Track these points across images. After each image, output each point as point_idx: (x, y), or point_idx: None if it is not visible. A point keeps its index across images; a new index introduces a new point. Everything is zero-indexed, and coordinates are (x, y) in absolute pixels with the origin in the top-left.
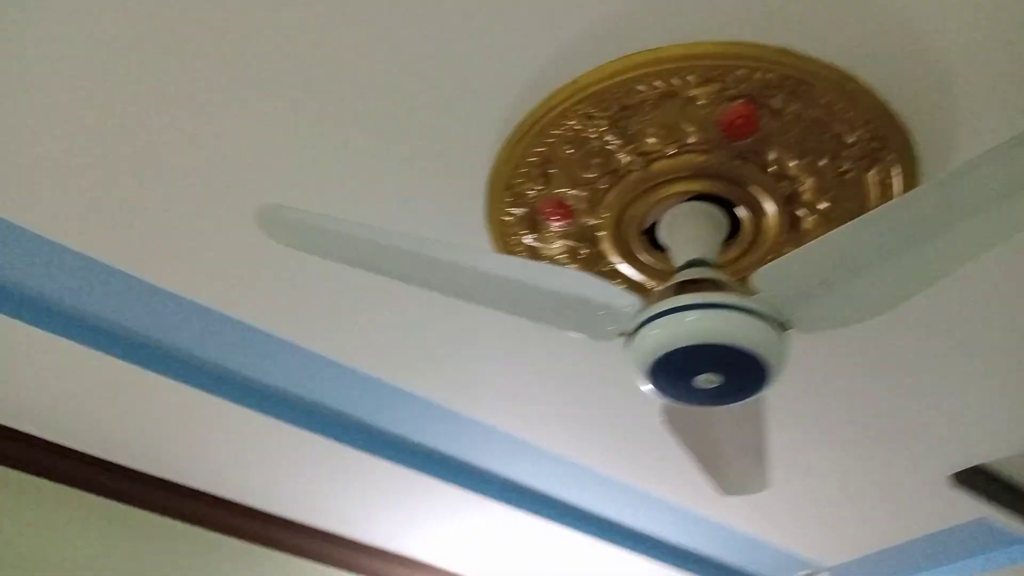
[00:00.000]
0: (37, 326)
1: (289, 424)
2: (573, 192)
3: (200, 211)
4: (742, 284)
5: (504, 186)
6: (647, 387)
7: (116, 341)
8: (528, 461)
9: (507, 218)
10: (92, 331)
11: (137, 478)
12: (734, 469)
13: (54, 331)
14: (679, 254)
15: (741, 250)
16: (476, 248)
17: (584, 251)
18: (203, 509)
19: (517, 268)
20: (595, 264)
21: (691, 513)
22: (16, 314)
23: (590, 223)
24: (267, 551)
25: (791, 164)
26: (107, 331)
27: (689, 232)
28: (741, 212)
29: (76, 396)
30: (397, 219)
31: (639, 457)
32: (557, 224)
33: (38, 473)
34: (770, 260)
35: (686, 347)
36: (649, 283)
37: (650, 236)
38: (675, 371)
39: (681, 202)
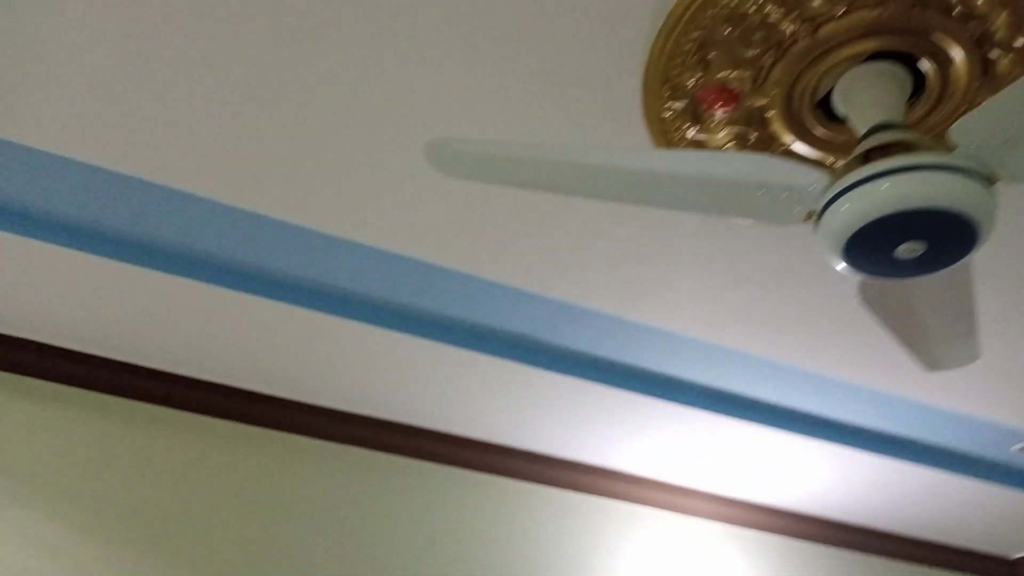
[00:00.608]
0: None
1: (502, 359)
2: (736, 74)
3: (365, 154)
4: (937, 141)
5: (661, 81)
6: (842, 266)
7: (355, 306)
8: (723, 365)
9: (667, 114)
10: (341, 301)
11: (392, 427)
12: (941, 342)
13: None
14: (861, 121)
15: (928, 107)
16: (643, 148)
17: (754, 135)
18: (435, 446)
19: (690, 161)
20: (767, 148)
21: (895, 397)
22: (296, 301)
23: (757, 104)
24: (491, 477)
25: (979, 0)
26: (344, 297)
27: (869, 96)
28: (924, 65)
29: (334, 363)
30: (555, 136)
31: (835, 345)
32: (721, 111)
33: (325, 438)
34: (963, 112)
35: (884, 217)
36: (828, 159)
37: (825, 108)
38: (873, 244)
39: (856, 65)
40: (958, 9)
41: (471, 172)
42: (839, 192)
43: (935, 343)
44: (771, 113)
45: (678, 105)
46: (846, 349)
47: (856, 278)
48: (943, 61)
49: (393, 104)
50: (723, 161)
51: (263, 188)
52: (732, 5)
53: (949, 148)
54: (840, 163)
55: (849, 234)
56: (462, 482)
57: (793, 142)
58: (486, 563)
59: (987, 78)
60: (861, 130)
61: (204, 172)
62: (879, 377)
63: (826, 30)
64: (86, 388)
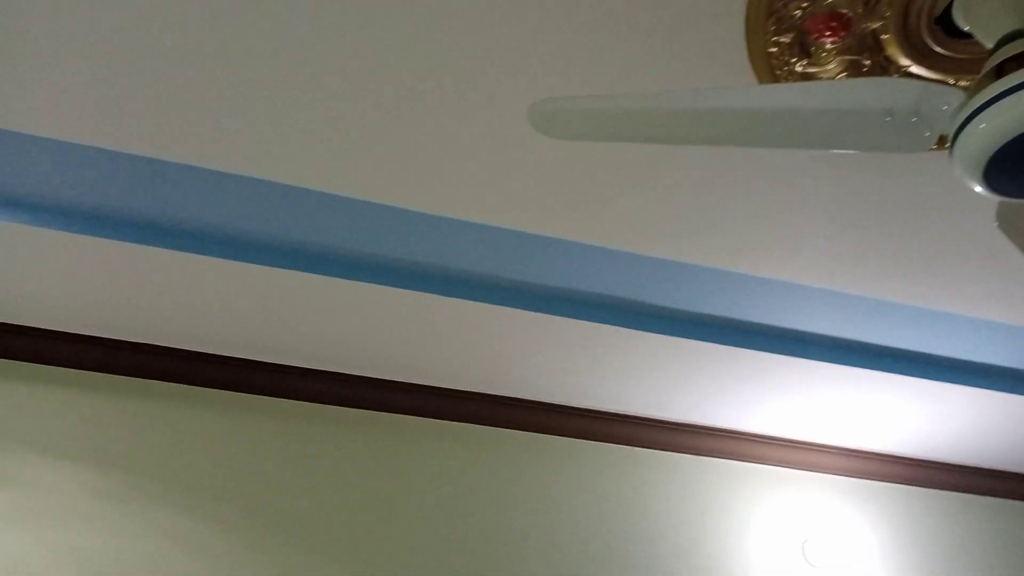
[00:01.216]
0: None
1: (617, 326)
2: None
3: (458, 127)
4: None
5: (765, 14)
6: (981, 189)
7: (455, 284)
8: (844, 312)
9: (773, 49)
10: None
11: (482, 399)
12: None
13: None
14: (988, 33)
15: None
16: (756, 85)
17: (867, 62)
18: (569, 422)
19: (811, 93)
20: (883, 74)
21: None
22: (397, 283)
23: (870, 28)
24: (626, 449)
25: None
26: (443, 276)
27: (995, 3)
28: None
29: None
30: (658, 85)
31: (966, 281)
32: (832, 41)
33: (439, 417)
34: None
35: None
36: (952, 79)
37: (944, 24)
38: (1015, 163)
39: None
40: None
41: (577, 131)
42: (975, 110)
43: None
44: (886, 36)
45: (784, 39)
46: (979, 284)
47: (994, 202)
48: None
49: (489, 73)
50: (845, 90)
51: (358, 170)
52: None
53: None
54: (966, 82)
55: (989, 155)
56: (597, 455)
57: (911, 65)
58: (626, 533)
59: None
60: (990, 42)
61: (304, 162)
62: (1016, 311)
63: None
64: (206, 386)
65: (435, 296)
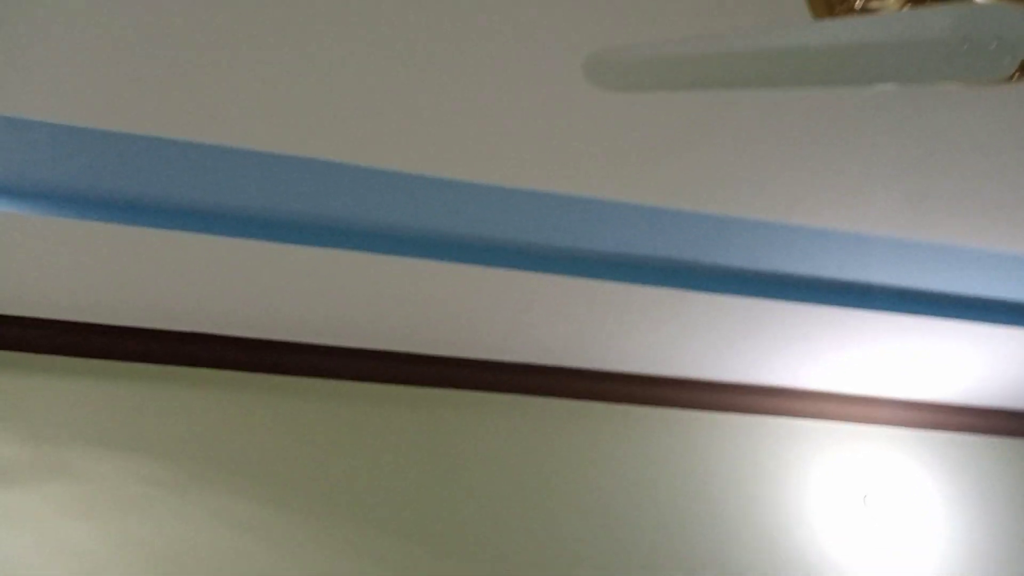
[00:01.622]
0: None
1: (669, 287)
2: None
3: (500, 88)
4: None
5: None
6: None
7: (499, 253)
8: (904, 259)
9: None
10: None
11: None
12: None
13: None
14: None
15: None
16: (822, 20)
17: None
18: (627, 388)
19: (884, 24)
20: (948, 2)
21: None
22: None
23: None
24: (685, 413)
25: None
26: (487, 246)
27: None
28: None
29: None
30: (712, 28)
31: None
32: None
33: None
34: None
35: None
36: None
37: None
38: None
39: None
40: None
41: (636, 81)
42: None
43: None
44: None
45: None
46: None
47: None
48: None
49: (537, 27)
50: (920, 19)
51: (396, 142)
52: None
53: None
54: None
55: None
56: (656, 421)
57: None
58: (684, 498)
59: None
60: None
61: (345, 136)
62: None
63: None
64: (249, 371)
65: (484, 268)
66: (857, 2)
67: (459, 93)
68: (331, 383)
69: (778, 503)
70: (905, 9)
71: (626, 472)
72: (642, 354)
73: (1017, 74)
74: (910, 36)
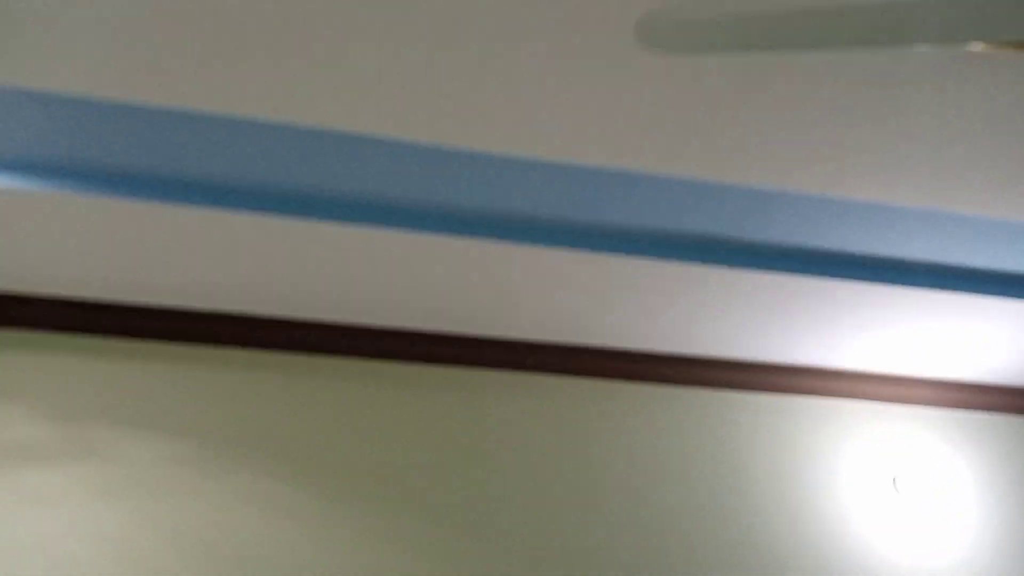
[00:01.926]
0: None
1: (705, 264)
2: None
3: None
4: None
5: None
6: None
7: (527, 230)
8: (945, 234)
9: None
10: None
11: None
12: None
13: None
14: None
15: None
16: None
17: None
18: (660, 367)
19: None
20: None
21: None
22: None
23: None
24: (715, 392)
25: None
26: (509, 222)
27: None
28: None
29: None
30: None
31: None
32: None
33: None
34: None
35: None
36: None
37: None
38: None
39: None
40: None
41: (691, 43)
42: None
43: None
44: None
45: None
46: None
47: None
48: None
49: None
50: None
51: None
52: None
53: None
54: None
55: None
56: (688, 401)
57: None
58: (716, 477)
59: None
60: None
61: (381, 110)
62: None
63: None
64: (273, 350)
65: (514, 245)
66: None
67: (493, 65)
68: (357, 362)
69: (809, 482)
70: None
71: (657, 452)
72: (672, 333)
73: None
74: None
